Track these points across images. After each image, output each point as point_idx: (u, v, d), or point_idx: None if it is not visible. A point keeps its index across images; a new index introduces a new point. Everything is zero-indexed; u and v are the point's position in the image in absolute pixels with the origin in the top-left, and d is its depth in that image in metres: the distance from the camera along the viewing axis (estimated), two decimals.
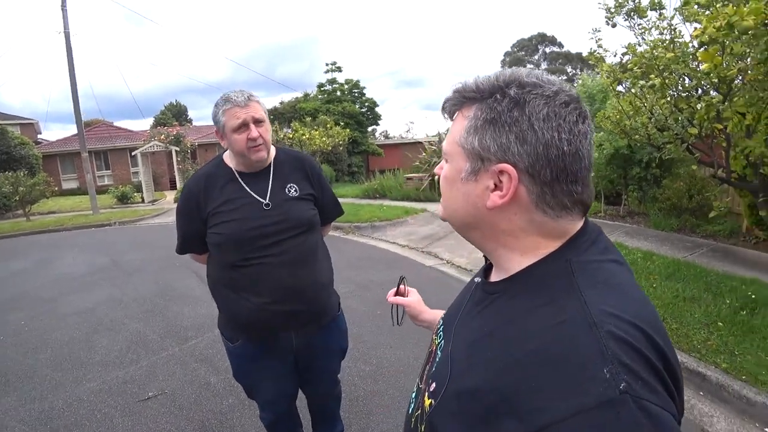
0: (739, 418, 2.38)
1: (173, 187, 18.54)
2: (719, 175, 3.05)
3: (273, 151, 1.57)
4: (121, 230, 10.00)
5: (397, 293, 1.04)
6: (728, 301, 3.47)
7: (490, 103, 0.54)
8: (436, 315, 0.99)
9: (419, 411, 0.63)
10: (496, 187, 0.54)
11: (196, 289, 4.81)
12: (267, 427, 1.76)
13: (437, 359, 0.65)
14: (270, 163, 1.53)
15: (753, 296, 3.51)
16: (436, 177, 0.64)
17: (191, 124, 31.43)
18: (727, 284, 3.83)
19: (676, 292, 3.71)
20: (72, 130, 20.36)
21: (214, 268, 1.54)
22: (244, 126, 1.39)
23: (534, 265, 0.55)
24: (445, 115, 0.62)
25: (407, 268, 5.38)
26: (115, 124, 24.81)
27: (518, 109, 0.52)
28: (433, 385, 0.60)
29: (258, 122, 1.41)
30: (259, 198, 1.47)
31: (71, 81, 11.96)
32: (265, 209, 1.45)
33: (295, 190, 1.52)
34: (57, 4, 11.47)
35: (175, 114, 33.80)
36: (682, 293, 3.68)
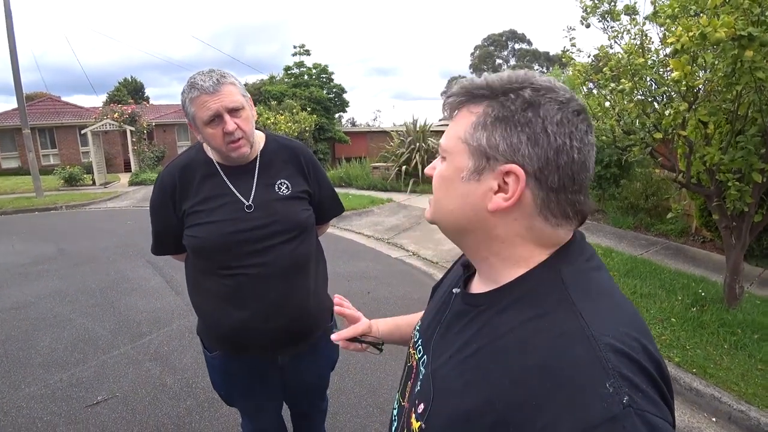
0: (689, 409, 2.52)
1: (128, 169, 17.52)
2: (679, 180, 3.18)
3: (261, 139, 1.33)
4: (69, 215, 9.33)
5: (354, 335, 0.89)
6: (680, 298, 3.66)
7: (503, 101, 0.51)
8: (387, 325, 0.93)
9: (405, 431, 0.61)
10: (500, 189, 0.52)
11: (151, 280, 4.55)
12: None
13: (421, 377, 0.61)
14: (257, 156, 1.30)
15: (702, 293, 3.72)
16: (428, 175, 0.61)
17: (148, 102, 29.85)
18: (679, 282, 4.05)
19: (634, 289, 3.88)
20: (12, 103, 18.70)
21: (192, 272, 1.35)
22: (217, 118, 1.15)
23: (524, 276, 0.53)
24: (446, 111, 0.59)
25: (373, 259, 5.33)
26: (63, 99, 23.11)
27: (532, 110, 0.50)
28: (421, 406, 0.57)
29: (233, 111, 1.17)
30: (242, 197, 1.26)
31: (11, 48, 10.86)
32: (247, 212, 1.25)
33: (287, 188, 1.30)
34: None
35: (131, 91, 31.84)
36: (639, 290, 3.86)
